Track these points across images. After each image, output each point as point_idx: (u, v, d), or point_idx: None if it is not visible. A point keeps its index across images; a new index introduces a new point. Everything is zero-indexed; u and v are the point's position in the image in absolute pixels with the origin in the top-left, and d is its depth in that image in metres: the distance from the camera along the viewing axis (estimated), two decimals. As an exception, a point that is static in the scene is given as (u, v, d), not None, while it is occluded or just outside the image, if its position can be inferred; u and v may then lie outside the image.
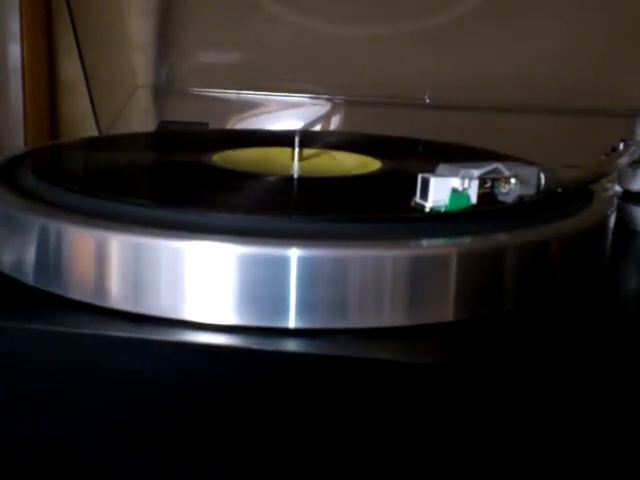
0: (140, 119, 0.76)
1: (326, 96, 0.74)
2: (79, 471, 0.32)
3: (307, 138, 0.50)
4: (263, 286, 0.30)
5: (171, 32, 0.74)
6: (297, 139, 0.48)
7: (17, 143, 0.74)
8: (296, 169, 0.48)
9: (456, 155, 0.53)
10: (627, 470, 0.30)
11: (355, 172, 0.46)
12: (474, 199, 0.34)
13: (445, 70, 0.70)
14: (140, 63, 0.75)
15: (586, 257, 0.38)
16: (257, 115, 0.75)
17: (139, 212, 0.35)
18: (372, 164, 0.48)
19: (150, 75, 0.75)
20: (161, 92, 0.76)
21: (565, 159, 0.46)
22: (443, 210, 0.34)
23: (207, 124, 0.70)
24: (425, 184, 0.34)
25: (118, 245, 0.31)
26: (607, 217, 0.39)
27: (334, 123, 0.75)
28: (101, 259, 0.32)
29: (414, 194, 0.35)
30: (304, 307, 0.30)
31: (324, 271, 0.30)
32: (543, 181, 0.36)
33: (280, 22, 0.72)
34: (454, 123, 0.69)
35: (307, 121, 0.74)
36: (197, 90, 0.75)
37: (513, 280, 0.34)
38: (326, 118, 0.74)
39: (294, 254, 0.30)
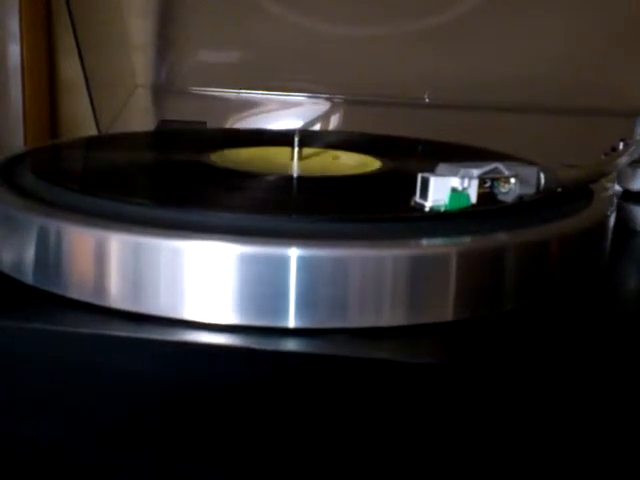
0: (140, 118, 0.76)
1: (326, 95, 0.74)
2: (79, 471, 0.32)
3: (307, 137, 0.50)
4: (263, 286, 0.30)
5: (171, 32, 0.74)
6: (297, 138, 0.48)
7: (17, 143, 0.74)
8: (296, 169, 0.48)
9: (456, 155, 0.53)
10: (627, 470, 0.30)
11: (355, 172, 0.46)
12: (474, 199, 0.34)
13: (445, 70, 0.70)
14: (140, 63, 0.75)
15: (586, 257, 0.38)
16: (257, 114, 0.75)
17: (139, 212, 0.35)
18: (372, 164, 0.48)
19: (150, 75, 0.75)
20: (161, 92, 0.76)
21: (565, 159, 0.46)
22: (443, 210, 0.34)
23: (206, 123, 0.70)
24: (425, 184, 0.34)
25: (118, 245, 0.31)
26: (607, 217, 0.39)
27: (334, 122, 0.75)
28: (101, 259, 0.32)
29: (414, 194, 0.35)
30: (304, 307, 0.30)
31: (324, 271, 0.30)
32: (543, 181, 0.36)
33: (280, 22, 0.72)
34: (454, 123, 0.69)
35: (307, 120, 0.74)
36: (197, 89, 0.75)
37: (513, 280, 0.34)
38: (326, 117, 0.74)
39: (294, 254, 0.30)
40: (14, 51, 0.73)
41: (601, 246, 0.39)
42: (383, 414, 0.30)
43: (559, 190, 0.39)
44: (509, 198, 0.36)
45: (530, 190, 0.36)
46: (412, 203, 0.35)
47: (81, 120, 0.78)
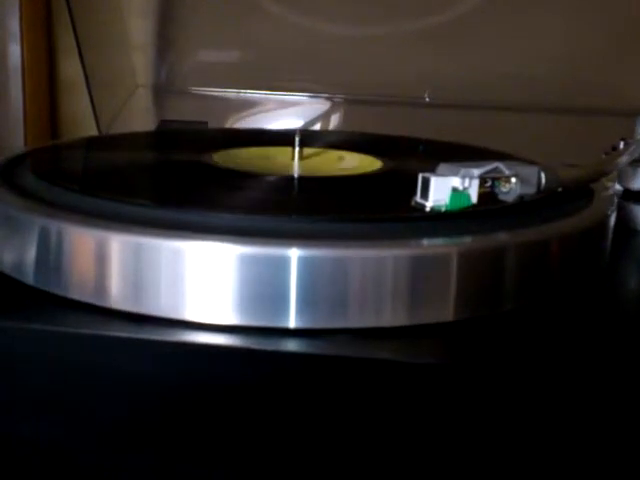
0: (140, 118, 0.76)
1: (326, 95, 0.74)
2: (79, 471, 0.32)
3: (307, 137, 0.50)
4: (263, 286, 0.30)
5: (171, 32, 0.74)
6: (297, 138, 0.48)
7: (17, 143, 0.74)
8: (296, 168, 0.48)
9: (456, 154, 0.53)
10: (627, 470, 0.30)
11: (355, 172, 0.46)
12: (474, 198, 0.34)
13: (445, 69, 0.70)
14: (140, 63, 0.75)
15: (586, 256, 0.38)
16: (257, 114, 0.75)
17: (139, 212, 0.35)
18: (372, 163, 0.48)
19: (150, 74, 0.75)
20: (161, 91, 0.76)
21: (565, 158, 0.46)
22: (443, 209, 0.34)
23: (206, 123, 0.70)
24: (425, 183, 0.34)
25: (118, 245, 0.31)
26: (607, 216, 0.39)
27: (334, 122, 0.75)
28: (101, 259, 0.32)
29: (414, 193, 0.35)
30: (304, 307, 0.30)
31: (324, 271, 0.30)
32: (543, 180, 0.36)
33: (280, 22, 0.72)
34: (454, 122, 0.69)
35: (307, 120, 0.74)
36: (197, 89, 0.75)
37: (513, 280, 0.34)
38: (326, 117, 0.74)
39: (294, 254, 0.30)
40: (14, 51, 0.73)
41: (601, 246, 0.39)
42: (385, 415, 0.30)
43: (560, 190, 0.39)
44: (510, 198, 0.36)
45: (531, 190, 0.36)
46: (413, 203, 0.35)
47: (81, 120, 0.78)
